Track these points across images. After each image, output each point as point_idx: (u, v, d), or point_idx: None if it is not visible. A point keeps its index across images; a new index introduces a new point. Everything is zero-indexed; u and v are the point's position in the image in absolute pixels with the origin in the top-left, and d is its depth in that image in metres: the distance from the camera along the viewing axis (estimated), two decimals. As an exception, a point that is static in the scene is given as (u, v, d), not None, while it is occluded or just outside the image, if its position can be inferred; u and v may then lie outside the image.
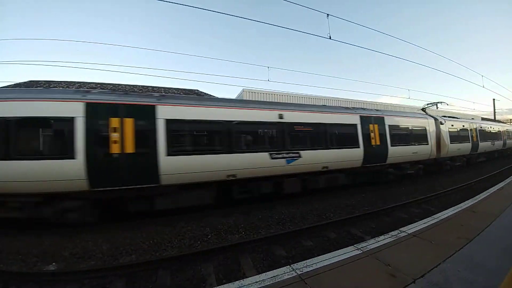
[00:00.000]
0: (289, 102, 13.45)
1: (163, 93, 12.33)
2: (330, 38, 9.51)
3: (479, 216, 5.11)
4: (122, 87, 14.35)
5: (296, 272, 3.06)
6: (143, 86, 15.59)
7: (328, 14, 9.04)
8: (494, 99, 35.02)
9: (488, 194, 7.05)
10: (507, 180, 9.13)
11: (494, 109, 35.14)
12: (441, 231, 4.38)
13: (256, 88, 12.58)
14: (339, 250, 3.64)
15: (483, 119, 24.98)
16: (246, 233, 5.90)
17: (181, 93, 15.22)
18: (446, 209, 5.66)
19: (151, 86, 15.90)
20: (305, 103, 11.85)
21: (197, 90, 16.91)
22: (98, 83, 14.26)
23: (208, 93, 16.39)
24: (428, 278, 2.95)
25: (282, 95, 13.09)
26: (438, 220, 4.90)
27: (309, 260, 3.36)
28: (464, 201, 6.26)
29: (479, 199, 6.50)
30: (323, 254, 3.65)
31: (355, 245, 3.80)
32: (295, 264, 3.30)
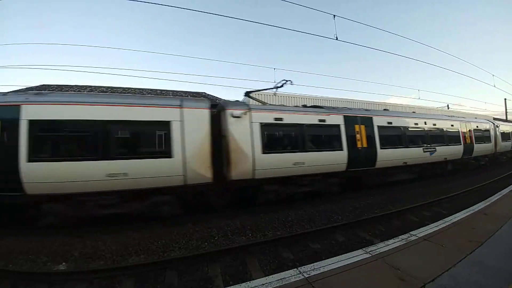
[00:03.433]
0: (296, 103, 13.45)
1: (171, 96, 12.54)
2: (337, 39, 9.47)
3: (491, 219, 5.00)
4: (132, 90, 14.65)
5: (303, 275, 3.04)
6: (152, 89, 15.87)
7: (334, 15, 9.00)
8: (505, 99, 33.60)
9: (500, 196, 6.88)
10: None
11: (506, 109, 33.81)
12: (452, 234, 4.29)
13: (263, 90, 12.58)
14: (347, 254, 3.60)
15: (495, 119, 24.22)
16: (253, 235, 5.89)
17: (189, 96, 15.43)
18: (457, 212, 5.53)
19: (159, 89, 16.16)
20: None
21: (204, 92, 17.12)
22: (108, 87, 14.61)
23: (214, 95, 16.55)
24: (438, 282, 2.90)
25: (288, 96, 12.99)
26: (449, 223, 4.79)
27: (317, 263, 3.34)
28: (477, 203, 6.10)
29: (492, 201, 6.35)
30: (331, 257, 3.62)
31: (363, 249, 3.74)
32: (302, 267, 3.27)
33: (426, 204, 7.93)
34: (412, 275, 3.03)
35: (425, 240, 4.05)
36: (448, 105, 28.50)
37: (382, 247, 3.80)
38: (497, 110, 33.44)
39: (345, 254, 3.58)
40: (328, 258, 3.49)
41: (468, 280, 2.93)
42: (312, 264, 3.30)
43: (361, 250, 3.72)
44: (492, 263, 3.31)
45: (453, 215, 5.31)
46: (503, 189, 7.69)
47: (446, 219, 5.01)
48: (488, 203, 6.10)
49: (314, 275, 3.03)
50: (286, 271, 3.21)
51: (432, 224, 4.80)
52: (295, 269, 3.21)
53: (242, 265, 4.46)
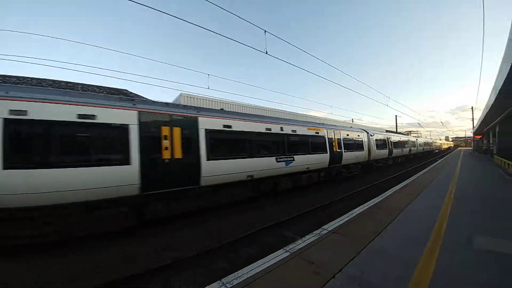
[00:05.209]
0: (229, 110, 13.47)
1: (81, 91, 10.38)
2: (266, 53, 10.12)
3: (386, 211, 5.99)
4: (28, 80, 11.26)
5: (226, 286, 2.91)
6: (53, 81, 12.70)
7: (265, 31, 9.59)
8: (396, 116, 45.05)
9: (393, 191, 8.46)
10: (410, 179, 11.50)
11: (396, 124, 45.21)
12: (355, 226, 4.99)
13: (195, 94, 12.03)
14: (270, 255, 3.69)
15: (387, 131, 31.44)
16: (181, 249, 5.37)
17: (104, 92, 13.21)
18: (359, 205, 6.58)
19: (64, 81, 13.10)
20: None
21: (125, 90, 15.11)
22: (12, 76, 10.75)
23: (139, 94, 14.75)
24: (345, 271, 3.24)
25: (222, 102, 12.89)
26: (353, 216, 5.61)
27: (240, 270, 3.27)
28: (374, 198, 7.43)
29: (386, 195, 7.72)
30: (255, 261, 3.61)
31: (284, 248, 3.93)
32: (226, 277, 3.14)
33: (337, 200, 9.26)
34: (324, 267, 3.34)
35: (334, 233, 4.60)
36: (352, 119, 35.43)
37: (300, 243, 4.09)
38: (390, 124, 44.65)
39: (267, 256, 3.66)
40: (249, 264, 3.47)
41: (371, 267, 3.33)
42: (235, 273, 3.21)
43: (282, 249, 3.88)
44: (390, 250, 3.84)
45: (356, 208, 6.28)
46: (395, 185, 9.70)
47: (350, 212, 5.90)
48: (383, 197, 7.42)
49: (237, 283, 2.95)
50: (210, 285, 3.00)
51: (339, 218, 5.52)
52: (218, 281, 3.05)
53: (166, 287, 3.96)
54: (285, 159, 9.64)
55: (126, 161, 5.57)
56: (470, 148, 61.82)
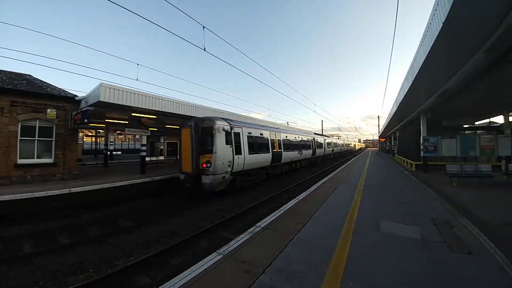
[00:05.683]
0: (162, 106, 12.38)
1: None
2: (204, 50, 9.82)
3: (311, 204, 6.69)
4: None
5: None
6: None
7: (204, 27, 9.28)
8: (322, 121, 52.06)
9: (317, 186, 9.62)
10: (331, 175, 13.19)
11: (322, 127, 51.76)
12: (285, 220, 5.35)
13: (119, 85, 10.45)
14: (201, 261, 3.51)
15: (315, 133, 35.43)
16: (96, 269, 4.57)
17: (4, 77, 10.36)
18: (289, 201, 7.13)
19: None
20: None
21: (29, 75, 12.30)
22: None
23: (46, 80, 12.09)
24: (274, 265, 3.40)
25: (153, 97, 11.59)
26: (283, 211, 6.01)
27: (167, 282, 3.00)
28: (301, 193, 8.21)
29: (311, 190, 8.68)
30: (186, 269, 3.40)
31: (217, 251, 3.84)
32: (151, 292, 2.84)
33: (270, 198, 9.85)
34: (255, 264, 3.41)
35: (266, 229, 4.80)
36: (287, 122, 39.10)
37: (233, 244, 4.08)
38: (317, 128, 51.00)
39: (198, 263, 3.48)
40: (180, 273, 3.24)
41: (296, 257, 3.59)
42: (163, 285, 2.93)
43: (215, 253, 3.78)
44: (313, 240, 4.21)
45: (286, 204, 6.78)
46: (318, 181, 10.94)
47: (281, 208, 6.30)
48: (308, 192, 8.29)
49: (162, 298, 2.70)
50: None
51: (273, 213, 5.83)
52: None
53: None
54: (300, 152, 19.36)
55: (268, 151, 13.93)
56: (377, 149, 76.71)
